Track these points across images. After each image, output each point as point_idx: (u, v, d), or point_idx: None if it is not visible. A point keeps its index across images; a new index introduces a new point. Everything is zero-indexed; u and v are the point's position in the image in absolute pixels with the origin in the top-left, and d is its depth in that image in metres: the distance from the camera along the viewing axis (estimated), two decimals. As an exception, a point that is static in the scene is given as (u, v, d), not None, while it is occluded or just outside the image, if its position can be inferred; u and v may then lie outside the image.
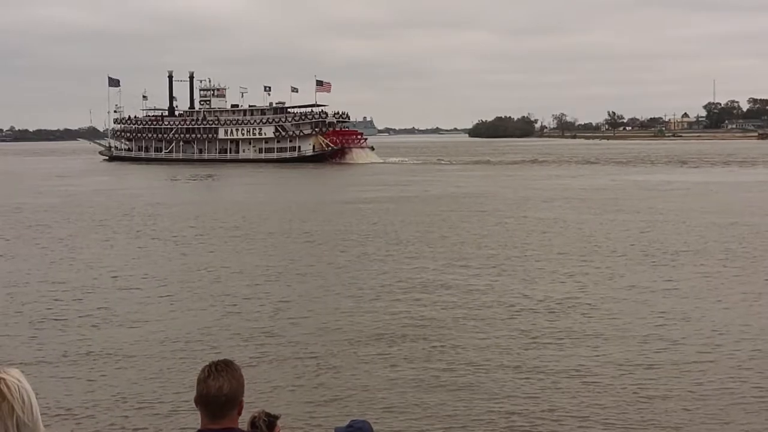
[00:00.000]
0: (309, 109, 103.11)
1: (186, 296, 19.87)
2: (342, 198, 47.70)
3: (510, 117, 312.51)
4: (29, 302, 19.13)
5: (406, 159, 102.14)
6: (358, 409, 11.14)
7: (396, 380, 13.05)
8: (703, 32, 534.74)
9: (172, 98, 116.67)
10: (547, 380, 12.91)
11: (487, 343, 15.18)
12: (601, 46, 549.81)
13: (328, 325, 16.70)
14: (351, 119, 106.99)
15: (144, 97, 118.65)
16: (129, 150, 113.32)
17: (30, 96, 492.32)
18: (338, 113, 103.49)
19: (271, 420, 4.37)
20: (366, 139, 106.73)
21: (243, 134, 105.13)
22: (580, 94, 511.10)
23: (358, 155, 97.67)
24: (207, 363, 3.29)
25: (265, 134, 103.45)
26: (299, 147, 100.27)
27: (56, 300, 19.42)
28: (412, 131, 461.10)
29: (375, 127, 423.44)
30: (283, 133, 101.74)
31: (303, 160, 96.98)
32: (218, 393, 3.17)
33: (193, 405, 3.25)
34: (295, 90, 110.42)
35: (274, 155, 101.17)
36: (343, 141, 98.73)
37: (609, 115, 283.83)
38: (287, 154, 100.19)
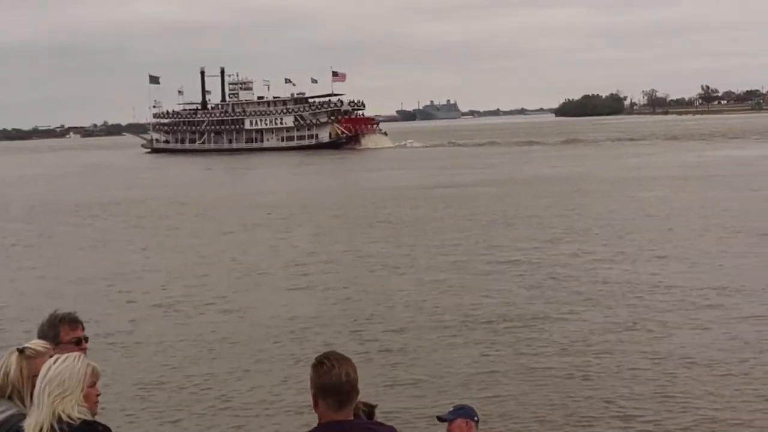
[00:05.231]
0: (327, 99, 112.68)
1: (278, 285, 19.90)
2: (416, 184, 47.15)
3: (598, 95, 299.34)
4: (133, 290, 19.80)
5: (416, 143, 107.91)
6: (455, 398, 10.44)
7: (495, 368, 12.68)
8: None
9: (204, 92, 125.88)
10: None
11: (601, 328, 14.51)
12: (693, 18, 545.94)
13: (425, 311, 16.33)
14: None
15: (179, 92, 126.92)
16: (167, 142, 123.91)
17: (123, 91, 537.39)
18: (353, 101, 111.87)
19: (370, 409, 4.46)
20: (378, 124, 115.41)
21: (266, 124, 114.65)
22: (672, 69, 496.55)
23: (372, 140, 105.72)
24: (318, 357, 3.46)
25: (285, 123, 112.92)
26: (317, 135, 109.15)
27: (162, 288, 19.93)
28: (496, 113, 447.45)
29: (459, 110, 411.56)
30: (302, 122, 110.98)
31: (320, 147, 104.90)
32: (347, 380, 3.39)
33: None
34: (314, 81, 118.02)
35: (294, 143, 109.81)
36: (357, 128, 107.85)
37: (702, 89, 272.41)
38: (305, 142, 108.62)
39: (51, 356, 3.76)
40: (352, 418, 3.48)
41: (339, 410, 3.41)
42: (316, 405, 3.46)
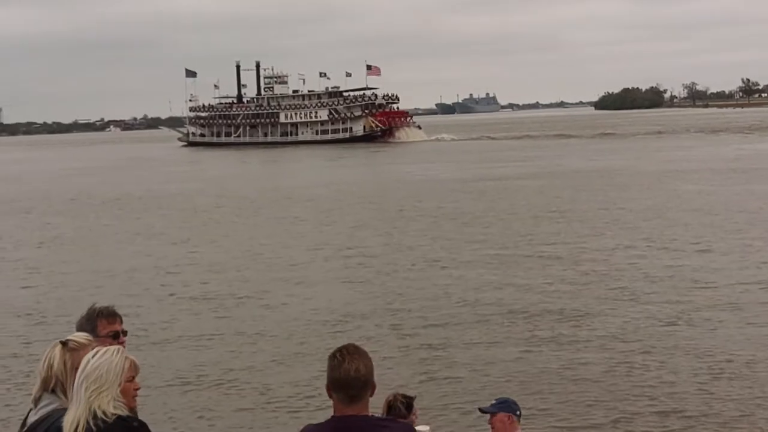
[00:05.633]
0: (361, 92, 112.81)
1: (318, 278, 19.84)
2: (458, 177, 46.81)
3: (638, 88, 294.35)
4: (173, 283, 19.92)
5: (455, 136, 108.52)
6: (496, 392, 10.14)
7: (537, 363, 12.49)
8: None
9: (240, 86, 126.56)
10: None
11: (643, 323, 14.30)
12: (734, 11, 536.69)
13: (466, 305, 16.19)
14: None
15: (215, 86, 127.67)
16: (203, 135, 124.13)
17: (163, 84, 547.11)
18: (387, 95, 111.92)
19: (408, 401, 4.51)
20: (412, 117, 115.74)
21: (301, 118, 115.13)
22: (712, 62, 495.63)
23: (405, 134, 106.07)
24: (333, 349, 3.41)
25: (320, 117, 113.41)
26: (351, 128, 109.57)
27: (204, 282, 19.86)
28: (535, 106, 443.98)
29: (498, 103, 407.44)
30: (337, 116, 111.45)
31: (354, 140, 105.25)
32: (356, 375, 3.31)
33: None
34: (348, 75, 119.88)
35: (329, 136, 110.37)
36: (391, 121, 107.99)
37: (743, 82, 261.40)
38: (340, 135, 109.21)
39: (93, 348, 3.69)
40: (366, 412, 3.41)
41: (350, 404, 3.37)
42: (330, 397, 3.45)
